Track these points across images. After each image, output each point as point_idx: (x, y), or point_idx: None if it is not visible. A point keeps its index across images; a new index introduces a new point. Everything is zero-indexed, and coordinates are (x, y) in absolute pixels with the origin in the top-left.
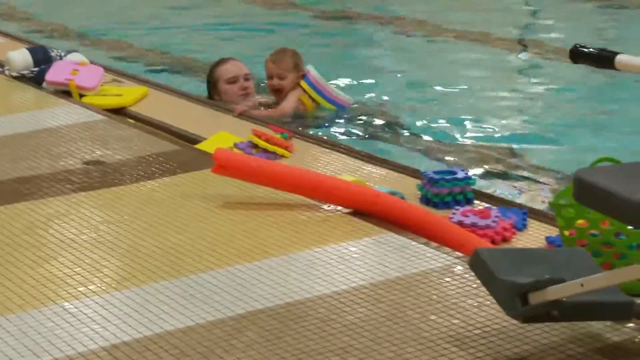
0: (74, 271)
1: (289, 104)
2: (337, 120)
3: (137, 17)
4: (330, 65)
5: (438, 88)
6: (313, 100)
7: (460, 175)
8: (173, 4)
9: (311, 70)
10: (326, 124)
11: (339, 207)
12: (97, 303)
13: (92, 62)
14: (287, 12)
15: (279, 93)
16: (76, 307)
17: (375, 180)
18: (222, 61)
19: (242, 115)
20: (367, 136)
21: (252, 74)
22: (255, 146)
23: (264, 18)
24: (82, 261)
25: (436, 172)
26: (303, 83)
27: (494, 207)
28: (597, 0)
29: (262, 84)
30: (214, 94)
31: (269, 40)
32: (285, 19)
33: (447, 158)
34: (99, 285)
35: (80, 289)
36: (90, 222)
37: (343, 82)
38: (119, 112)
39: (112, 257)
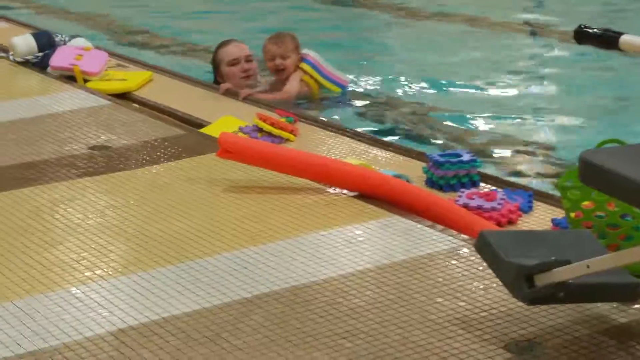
0: (81, 256)
1: (293, 86)
2: (342, 104)
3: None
4: (334, 50)
5: (445, 72)
6: (315, 80)
7: (466, 157)
8: None
9: (310, 52)
10: (331, 107)
11: (345, 191)
12: (103, 288)
13: (96, 47)
14: None
15: (281, 74)
16: (83, 292)
17: (381, 163)
18: (223, 43)
19: (247, 98)
20: (372, 119)
21: (254, 55)
22: (261, 130)
23: (263, 3)
24: (88, 246)
25: (442, 155)
26: (304, 65)
27: (500, 190)
28: None
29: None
30: (218, 77)
31: (268, 24)
32: (285, 3)
33: (452, 141)
34: (105, 270)
35: (86, 273)
36: (96, 207)
37: (348, 66)
38: (123, 96)
39: (118, 242)
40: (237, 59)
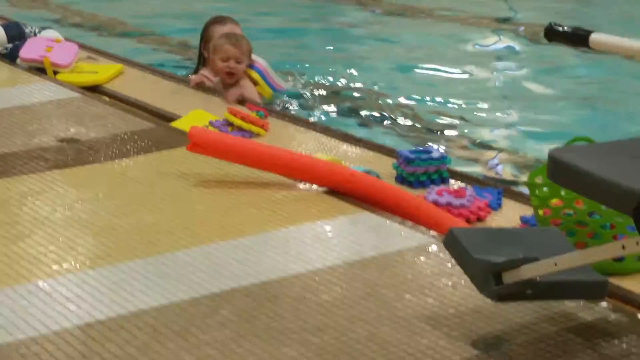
0: (48, 249)
1: (253, 92)
2: (312, 99)
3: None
4: (304, 45)
5: (416, 69)
6: (258, 85)
7: (436, 154)
8: None
9: (258, 58)
10: (301, 103)
11: (314, 186)
12: (71, 281)
13: (66, 39)
14: None
15: (231, 77)
16: (50, 285)
17: (351, 159)
18: (218, 21)
19: (197, 86)
20: (342, 115)
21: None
22: (231, 124)
23: None
24: (56, 239)
25: (412, 152)
26: (252, 72)
27: (469, 187)
28: None
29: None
30: (203, 50)
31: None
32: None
33: (422, 137)
34: (73, 263)
35: (54, 267)
36: (65, 200)
37: (317, 60)
38: (93, 89)
39: (87, 235)
40: (227, 57)
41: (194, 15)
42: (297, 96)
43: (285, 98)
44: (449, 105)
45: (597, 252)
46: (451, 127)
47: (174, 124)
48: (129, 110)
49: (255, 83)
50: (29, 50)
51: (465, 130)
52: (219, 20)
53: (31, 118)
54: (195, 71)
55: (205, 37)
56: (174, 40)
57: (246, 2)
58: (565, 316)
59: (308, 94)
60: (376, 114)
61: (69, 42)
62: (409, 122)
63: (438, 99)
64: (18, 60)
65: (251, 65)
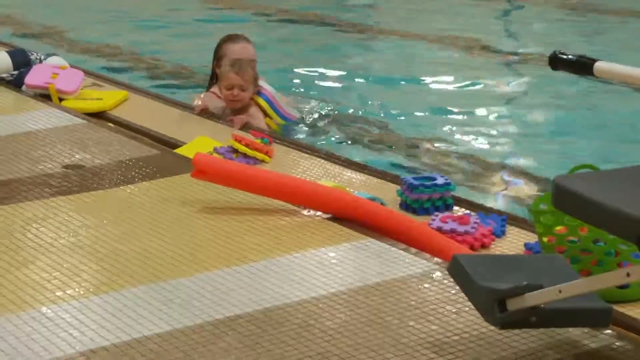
0: (52, 275)
1: (260, 122)
2: (317, 126)
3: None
4: (306, 70)
5: (420, 95)
6: (267, 116)
7: (440, 181)
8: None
9: (266, 85)
10: (306, 130)
11: (319, 213)
12: (75, 308)
13: (72, 66)
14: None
15: (236, 104)
16: (54, 312)
17: (355, 185)
18: (231, 39)
19: (202, 112)
20: (347, 142)
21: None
22: (235, 151)
23: (240, 20)
24: (60, 265)
25: (416, 178)
26: (259, 99)
27: (473, 213)
28: (576, 9)
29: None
30: (215, 68)
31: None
32: (258, 20)
33: (427, 164)
34: (77, 289)
35: (58, 293)
36: (69, 226)
37: (323, 88)
38: (99, 116)
39: (91, 261)
40: (231, 85)
41: (200, 42)
42: (302, 123)
43: (295, 128)
44: (454, 133)
45: (601, 279)
46: (455, 154)
47: (179, 151)
48: (134, 137)
49: (264, 113)
50: (34, 77)
51: (470, 158)
52: (231, 38)
53: (36, 144)
54: (208, 88)
55: (217, 55)
56: (178, 65)
57: (257, 34)
58: (570, 344)
59: (312, 120)
60: (380, 140)
61: (74, 69)
62: (413, 149)
63: (443, 126)
64: (23, 87)
65: (259, 93)
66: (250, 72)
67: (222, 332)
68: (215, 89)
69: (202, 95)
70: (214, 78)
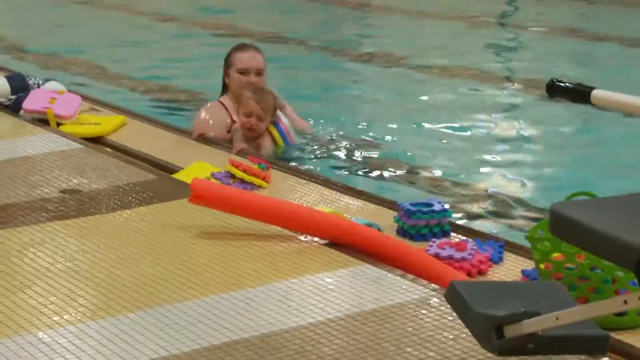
0: (49, 300)
1: (267, 151)
2: (315, 152)
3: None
4: (307, 96)
5: (417, 120)
6: (275, 144)
7: (437, 207)
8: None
9: (282, 117)
10: (303, 156)
11: (316, 238)
12: (71, 333)
13: (70, 91)
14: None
15: (252, 132)
16: (50, 337)
17: (352, 211)
18: (240, 47)
19: (200, 137)
20: (344, 168)
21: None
22: (233, 176)
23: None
24: (57, 290)
25: (413, 204)
26: (274, 130)
27: (471, 240)
28: (577, 36)
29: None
30: (225, 77)
31: None
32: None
33: (424, 190)
34: (73, 314)
35: (54, 318)
36: (66, 251)
37: (321, 113)
38: (96, 140)
39: (88, 286)
40: (247, 69)
41: (199, 66)
42: (300, 148)
43: (294, 153)
44: (451, 159)
45: (599, 307)
46: (452, 180)
47: (176, 176)
48: (131, 162)
49: (274, 142)
50: (32, 102)
51: (467, 184)
52: (241, 47)
53: (33, 169)
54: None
55: (226, 64)
56: (176, 89)
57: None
58: None
59: (310, 146)
60: (377, 166)
61: (72, 94)
62: (410, 175)
63: (440, 152)
64: (21, 112)
65: (275, 123)
66: (271, 102)
67: (219, 358)
68: (224, 99)
69: (208, 105)
70: (224, 87)
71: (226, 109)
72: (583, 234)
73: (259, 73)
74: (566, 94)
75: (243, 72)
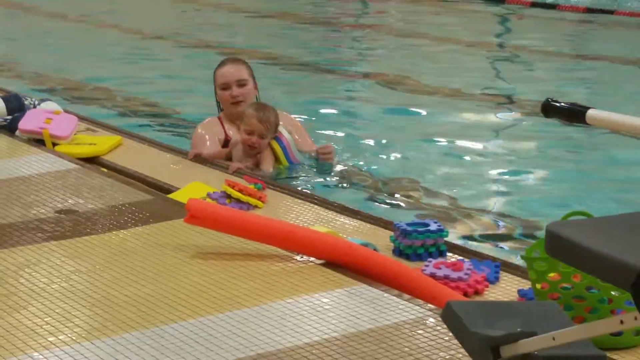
0: (44, 321)
1: (268, 167)
2: (310, 172)
3: (112, 66)
4: (305, 115)
5: (413, 141)
6: (277, 160)
7: (433, 227)
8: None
9: (284, 132)
10: (300, 176)
11: (312, 258)
12: (67, 353)
13: (66, 111)
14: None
15: (252, 149)
16: (46, 358)
17: (348, 231)
18: (221, 63)
19: (196, 158)
20: (339, 187)
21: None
22: (229, 196)
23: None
24: (52, 311)
25: (409, 224)
26: (275, 145)
27: (467, 260)
28: (575, 57)
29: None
30: (217, 98)
31: None
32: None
33: (420, 210)
34: (69, 335)
35: (50, 339)
36: (62, 271)
37: (317, 133)
38: (92, 161)
39: (83, 307)
40: (226, 83)
41: (195, 86)
42: (296, 169)
43: (294, 172)
44: (447, 179)
45: (595, 326)
46: (449, 200)
47: (172, 196)
48: (127, 182)
49: (276, 157)
50: (28, 122)
51: (463, 204)
52: (221, 63)
53: (29, 189)
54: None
55: (213, 83)
56: (173, 108)
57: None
58: None
59: (307, 165)
60: (373, 186)
61: (68, 114)
62: (406, 195)
63: (436, 172)
64: (17, 132)
65: (277, 138)
66: (272, 119)
67: None
68: (222, 114)
69: (205, 121)
70: (218, 105)
71: (222, 124)
72: (579, 254)
73: (242, 84)
74: (561, 114)
75: (224, 87)
